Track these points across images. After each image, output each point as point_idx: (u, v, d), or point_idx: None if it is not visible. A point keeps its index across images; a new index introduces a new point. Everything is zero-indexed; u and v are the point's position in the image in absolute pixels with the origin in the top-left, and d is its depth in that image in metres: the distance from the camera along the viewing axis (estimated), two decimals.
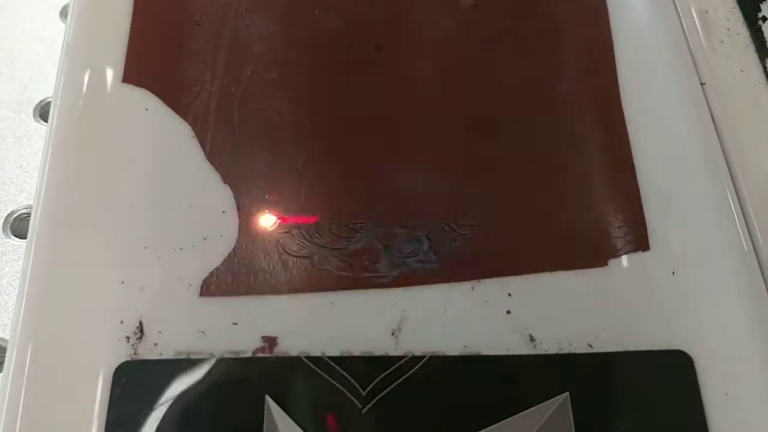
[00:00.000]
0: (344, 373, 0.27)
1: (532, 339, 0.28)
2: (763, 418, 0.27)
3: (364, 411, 0.27)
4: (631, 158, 0.32)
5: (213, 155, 0.32)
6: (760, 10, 0.38)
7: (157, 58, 0.35)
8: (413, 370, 0.27)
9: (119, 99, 0.33)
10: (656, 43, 0.35)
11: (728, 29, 0.37)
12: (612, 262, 0.30)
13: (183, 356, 0.27)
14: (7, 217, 0.39)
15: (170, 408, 0.27)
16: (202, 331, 0.28)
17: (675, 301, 0.29)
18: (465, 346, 0.28)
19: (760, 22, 0.38)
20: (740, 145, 0.33)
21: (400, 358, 0.28)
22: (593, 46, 0.35)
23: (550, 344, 0.28)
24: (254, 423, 0.26)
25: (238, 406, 0.27)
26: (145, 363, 0.27)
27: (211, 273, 0.29)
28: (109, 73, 0.33)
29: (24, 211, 0.38)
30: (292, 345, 0.28)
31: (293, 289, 0.29)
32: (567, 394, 0.27)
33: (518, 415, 0.26)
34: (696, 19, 0.37)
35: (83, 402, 0.27)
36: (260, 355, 0.28)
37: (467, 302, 0.29)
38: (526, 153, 0.32)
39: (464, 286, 0.29)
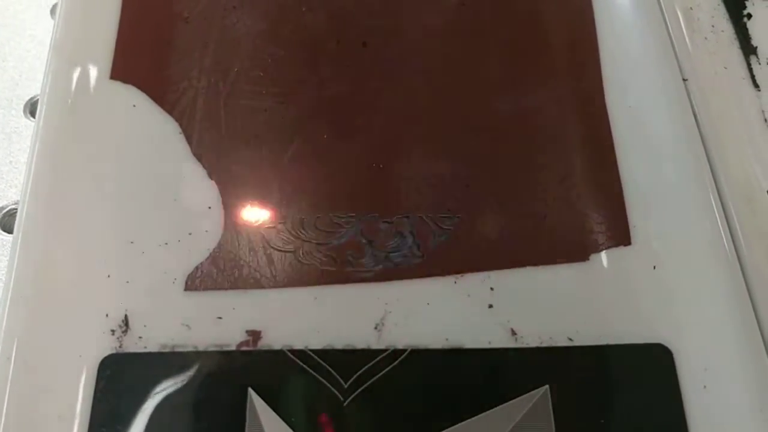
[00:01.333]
0: (326, 366, 0.27)
1: (513, 332, 0.29)
2: (740, 411, 0.27)
3: (345, 403, 0.27)
4: (614, 154, 0.32)
5: (199, 151, 0.32)
6: (745, 7, 0.39)
7: (145, 54, 0.35)
8: (395, 363, 0.28)
9: (106, 95, 0.33)
10: (640, 39, 0.36)
11: (713, 26, 0.37)
12: (593, 256, 0.30)
13: (167, 349, 0.28)
14: None
15: (154, 400, 0.27)
16: (187, 325, 0.28)
17: (655, 296, 0.29)
18: (447, 340, 0.28)
19: (745, 19, 0.38)
20: (722, 142, 0.33)
21: (381, 351, 0.28)
22: (578, 43, 0.36)
23: (532, 338, 0.29)
24: (237, 415, 0.26)
25: (222, 398, 0.27)
26: (130, 356, 0.28)
27: (196, 268, 0.29)
28: (97, 70, 0.34)
29: (13, 206, 0.38)
30: (275, 338, 0.28)
31: (278, 284, 0.29)
32: (547, 386, 0.27)
33: (498, 407, 0.27)
34: (680, 16, 0.37)
35: (69, 394, 0.27)
36: (244, 348, 0.28)
37: (450, 296, 0.29)
38: (510, 149, 0.33)
39: (447, 281, 0.30)
